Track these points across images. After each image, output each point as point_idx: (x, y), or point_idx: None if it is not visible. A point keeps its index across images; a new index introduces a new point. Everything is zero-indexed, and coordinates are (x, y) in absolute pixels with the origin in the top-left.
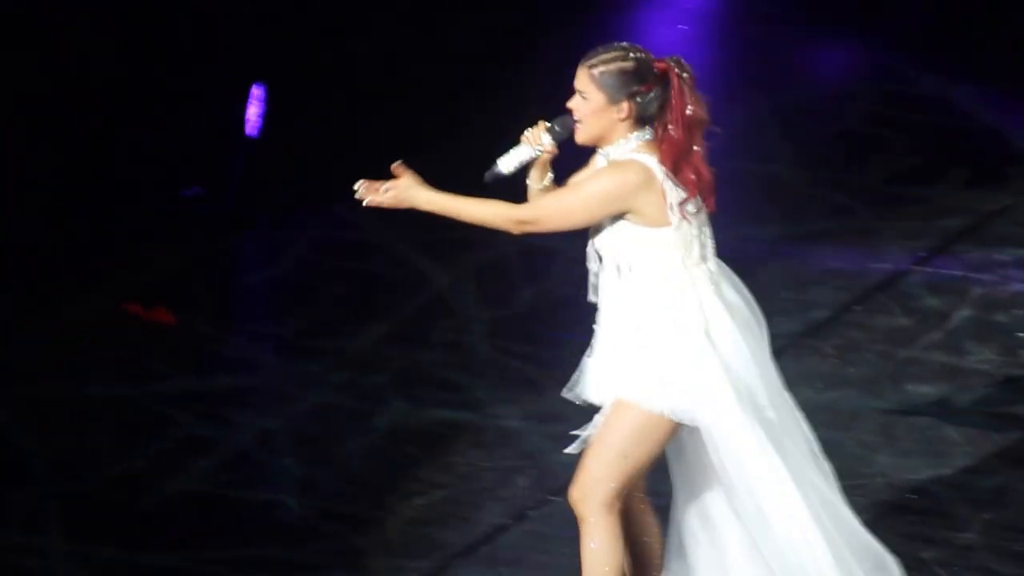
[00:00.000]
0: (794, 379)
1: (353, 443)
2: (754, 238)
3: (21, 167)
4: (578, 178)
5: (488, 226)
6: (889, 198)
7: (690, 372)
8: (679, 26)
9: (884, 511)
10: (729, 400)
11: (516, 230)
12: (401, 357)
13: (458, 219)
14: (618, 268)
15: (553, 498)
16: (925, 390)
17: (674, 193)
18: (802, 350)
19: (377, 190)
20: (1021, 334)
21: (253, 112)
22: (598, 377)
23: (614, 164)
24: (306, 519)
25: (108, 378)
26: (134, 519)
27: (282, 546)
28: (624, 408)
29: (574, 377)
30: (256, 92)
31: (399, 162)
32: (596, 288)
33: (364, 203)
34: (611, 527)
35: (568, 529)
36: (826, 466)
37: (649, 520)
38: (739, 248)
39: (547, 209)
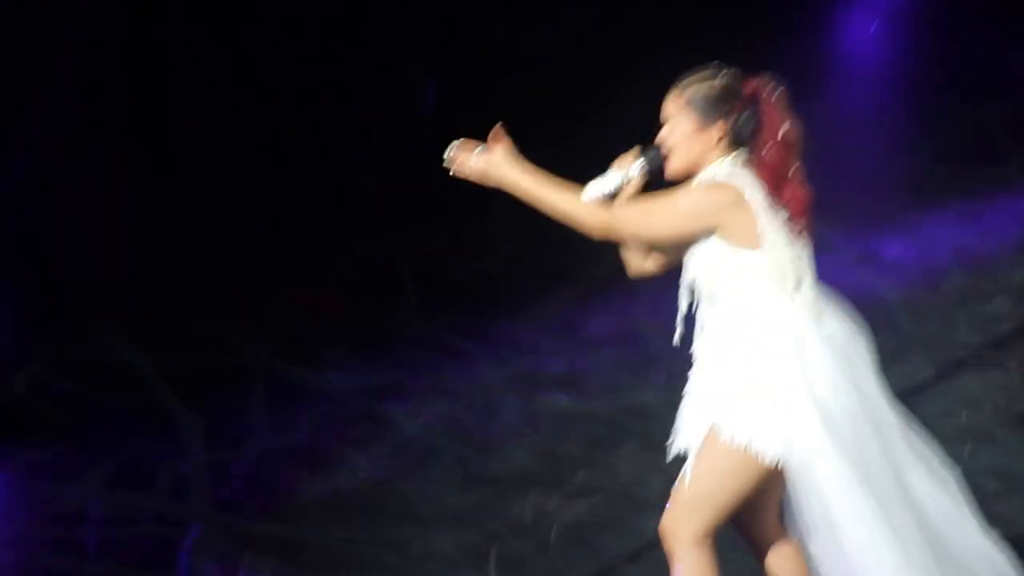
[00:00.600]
0: (977, 392)
1: (514, 442)
2: (939, 242)
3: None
4: None
5: (570, 221)
6: None
7: (778, 410)
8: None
9: None
10: (818, 442)
11: (597, 230)
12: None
13: (540, 207)
14: (711, 297)
15: None
16: None
17: (769, 215)
18: (985, 364)
19: (466, 160)
20: None
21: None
22: (692, 416)
23: (707, 182)
24: (463, 515)
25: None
26: None
27: (430, 538)
28: (713, 443)
29: (676, 426)
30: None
31: (499, 125)
32: (681, 331)
33: (451, 172)
34: (700, 563)
35: (731, 536)
36: (950, 490)
37: (789, 551)
38: (923, 254)
39: (633, 213)
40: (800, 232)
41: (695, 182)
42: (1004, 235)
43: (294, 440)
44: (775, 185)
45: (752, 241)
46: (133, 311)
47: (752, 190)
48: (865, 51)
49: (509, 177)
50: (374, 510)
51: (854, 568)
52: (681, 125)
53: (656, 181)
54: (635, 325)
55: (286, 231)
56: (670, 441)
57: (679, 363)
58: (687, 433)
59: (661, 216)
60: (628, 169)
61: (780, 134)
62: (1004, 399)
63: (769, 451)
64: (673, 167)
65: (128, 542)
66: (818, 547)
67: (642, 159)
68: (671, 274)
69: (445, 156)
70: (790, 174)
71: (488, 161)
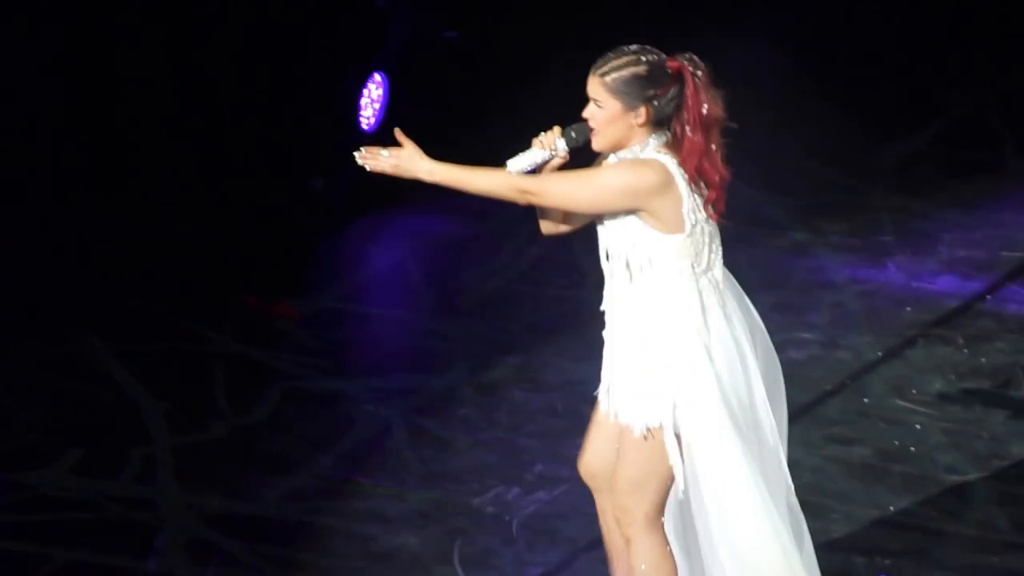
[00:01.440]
0: (925, 369)
1: (471, 436)
2: (884, 226)
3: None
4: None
5: (492, 196)
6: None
7: (682, 384)
8: None
9: (1019, 502)
10: (715, 415)
11: (520, 200)
12: (527, 345)
13: (461, 190)
14: (628, 268)
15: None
16: None
17: (693, 198)
18: (933, 340)
19: (377, 156)
20: None
21: (368, 104)
22: (610, 385)
23: (636, 160)
24: (425, 512)
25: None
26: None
27: (395, 535)
28: (632, 428)
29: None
30: (374, 83)
31: (398, 128)
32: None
33: (367, 169)
34: (657, 545)
35: None
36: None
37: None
38: (868, 235)
39: (555, 185)
40: (717, 210)
41: (617, 157)
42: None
43: (256, 425)
44: (697, 164)
45: (673, 225)
46: (97, 301)
47: (677, 173)
48: None
49: (424, 166)
50: (335, 505)
51: (732, 532)
52: (606, 107)
53: (576, 156)
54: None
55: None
56: (599, 395)
57: None
58: (608, 398)
59: (586, 190)
60: (551, 148)
61: (702, 114)
62: (953, 374)
63: (669, 424)
64: (597, 147)
65: (96, 527)
66: (703, 521)
67: (564, 139)
68: None
69: (355, 156)
70: (711, 153)
71: (400, 155)
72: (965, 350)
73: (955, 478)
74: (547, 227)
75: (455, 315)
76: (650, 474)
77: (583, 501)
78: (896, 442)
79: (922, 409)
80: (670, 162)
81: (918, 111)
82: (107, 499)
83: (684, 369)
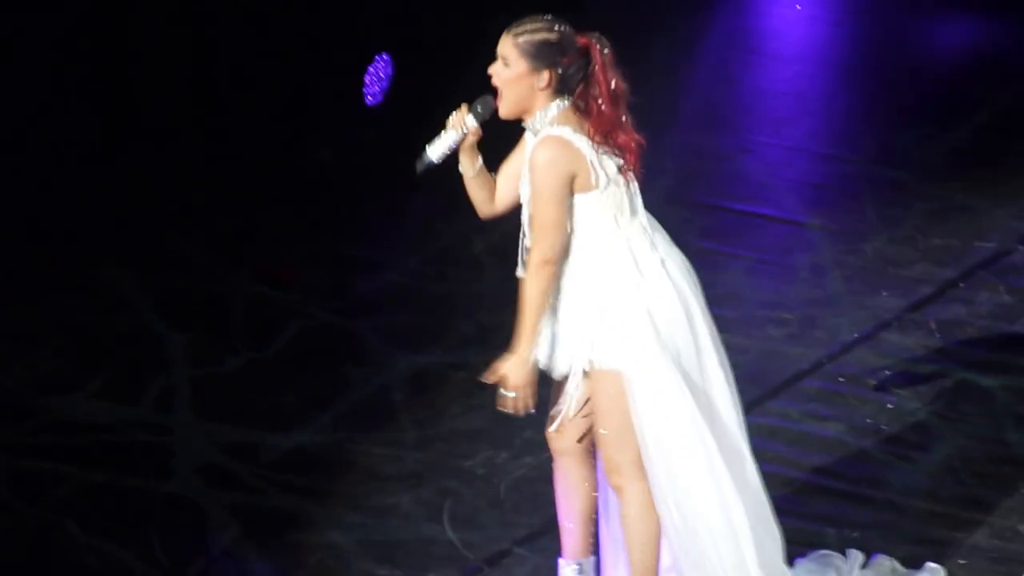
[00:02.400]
0: (898, 352)
1: (461, 401)
2: (860, 213)
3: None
4: (510, 161)
5: (543, 301)
6: (994, 176)
7: (620, 328)
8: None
9: (986, 485)
10: (653, 356)
11: (553, 271)
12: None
13: (535, 322)
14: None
15: None
16: None
17: (599, 157)
18: (906, 324)
19: (507, 403)
20: None
21: (374, 80)
22: (556, 348)
23: (540, 161)
24: (418, 472)
25: None
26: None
27: (388, 494)
28: (597, 379)
29: (542, 351)
30: (379, 62)
31: (489, 372)
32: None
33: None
34: (644, 491)
35: None
36: (743, 423)
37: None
38: (847, 222)
39: (544, 241)
40: (633, 172)
41: (528, 135)
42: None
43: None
44: (609, 132)
45: (587, 185)
46: (123, 238)
47: (575, 139)
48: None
49: (520, 359)
50: (334, 464)
51: (677, 484)
52: (512, 66)
53: (489, 124)
54: None
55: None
56: (544, 361)
57: None
58: (559, 358)
59: (551, 219)
60: (461, 127)
61: (611, 87)
62: (925, 357)
63: (614, 367)
64: (503, 113)
65: (120, 449)
66: (652, 474)
67: (471, 113)
68: None
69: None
70: (623, 123)
71: (506, 382)
72: (937, 334)
73: (924, 456)
74: (483, 210)
75: (462, 267)
76: (626, 422)
77: None
78: (868, 420)
79: (895, 389)
80: (564, 131)
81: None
82: (125, 424)
83: (620, 315)
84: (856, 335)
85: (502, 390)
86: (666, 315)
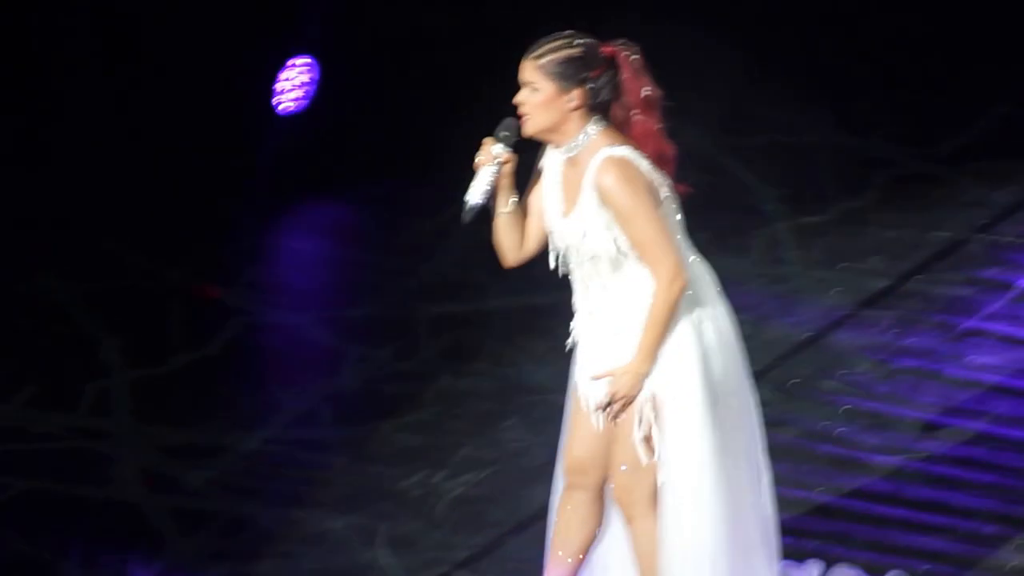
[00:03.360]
0: (853, 350)
1: (399, 419)
2: (810, 208)
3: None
4: (533, 196)
5: (672, 313)
6: (949, 166)
7: (666, 362)
8: None
9: (944, 486)
10: (695, 388)
11: (684, 284)
12: (451, 329)
13: (663, 331)
14: (612, 261)
15: None
16: (985, 361)
17: (657, 174)
18: (861, 321)
19: (614, 410)
20: None
21: (292, 87)
22: (595, 370)
23: (614, 183)
24: (355, 495)
25: None
26: None
27: (320, 520)
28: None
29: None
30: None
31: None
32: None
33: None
34: (657, 527)
35: None
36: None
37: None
38: (796, 217)
39: (665, 258)
40: (675, 184)
41: (552, 155)
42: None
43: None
44: (648, 143)
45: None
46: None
47: (640, 159)
48: None
49: (637, 370)
50: (262, 492)
51: (683, 509)
52: (540, 91)
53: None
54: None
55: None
56: (579, 391)
57: (561, 335)
58: (598, 386)
59: (657, 232)
60: (493, 159)
61: (644, 96)
62: (881, 355)
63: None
64: (529, 131)
65: (56, 456)
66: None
67: (499, 144)
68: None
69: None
70: (658, 132)
71: (617, 391)
72: (892, 331)
73: (880, 460)
74: (510, 257)
75: (385, 305)
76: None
77: (510, 484)
78: (823, 424)
79: (849, 390)
80: (623, 151)
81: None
82: (64, 430)
83: (671, 348)
84: (808, 335)
85: (610, 401)
86: (721, 343)
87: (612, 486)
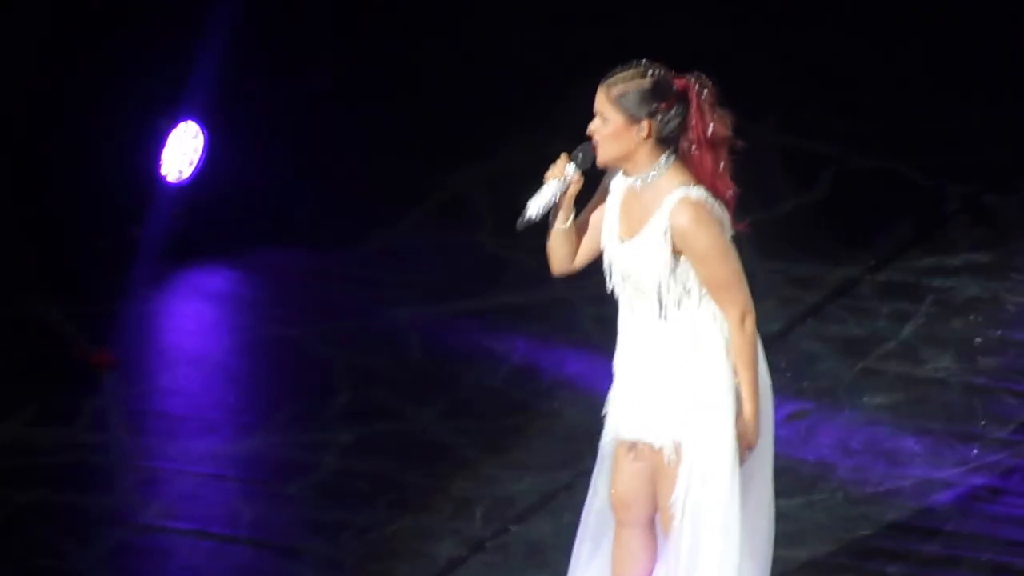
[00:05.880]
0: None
1: (302, 477)
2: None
3: None
4: (592, 214)
5: (756, 344)
6: (835, 204)
7: (703, 408)
8: None
9: (845, 526)
10: (726, 450)
11: (754, 320)
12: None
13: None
14: (678, 303)
15: (512, 527)
16: (882, 400)
17: (726, 216)
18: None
19: (744, 457)
20: (978, 340)
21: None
22: (636, 414)
23: (693, 224)
24: (260, 557)
25: None
26: None
27: None
28: (664, 450)
29: (612, 419)
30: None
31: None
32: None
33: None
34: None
35: (529, 558)
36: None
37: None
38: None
39: (737, 297)
40: (734, 226)
41: (616, 180)
42: None
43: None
44: (710, 183)
45: None
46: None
47: (712, 201)
48: None
49: (749, 416)
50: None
51: (702, 552)
52: (610, 121)
53: (592, 175)
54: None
55: None
56: (615, 426)
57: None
58: (645, 423)
59: (730, 274)
60: (562, 176)
61: (707, 133)
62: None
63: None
64: (601, 160)
65: (60, 470)
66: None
67: (573, 163)
68: None
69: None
70: (720, 172)
71: (748, 439)
72: (788, 373)
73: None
74: (561, 267)
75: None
76: None
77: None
78: None
79: None
80: (700, 192)
81: None
82: (63, 445)
83: (710, 394)
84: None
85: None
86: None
87: (659, 517)
